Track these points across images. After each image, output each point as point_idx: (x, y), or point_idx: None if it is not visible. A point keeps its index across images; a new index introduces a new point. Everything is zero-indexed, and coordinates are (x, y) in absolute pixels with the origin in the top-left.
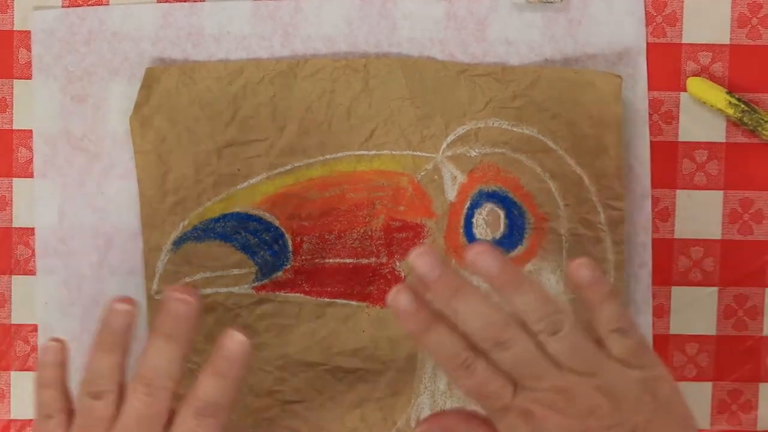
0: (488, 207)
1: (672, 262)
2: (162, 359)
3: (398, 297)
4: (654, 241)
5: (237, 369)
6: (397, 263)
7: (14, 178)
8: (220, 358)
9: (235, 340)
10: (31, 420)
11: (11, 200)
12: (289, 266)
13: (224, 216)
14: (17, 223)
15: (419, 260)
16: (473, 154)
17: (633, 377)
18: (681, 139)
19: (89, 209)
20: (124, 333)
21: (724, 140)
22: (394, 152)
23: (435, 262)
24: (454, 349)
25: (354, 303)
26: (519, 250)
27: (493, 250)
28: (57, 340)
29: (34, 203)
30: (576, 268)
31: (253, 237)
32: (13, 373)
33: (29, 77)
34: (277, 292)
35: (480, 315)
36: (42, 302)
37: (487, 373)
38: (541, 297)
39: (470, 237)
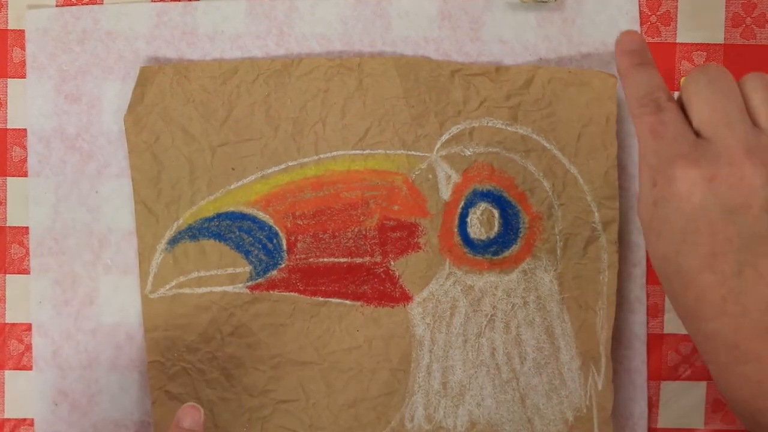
0: (483, 206)
1: None
2: None
3: (631, 33)
4: None
5: None
6: (392, 262)
7: (8, 177)
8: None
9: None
10: (25, 419)
11: (5, 199)
12: (283, 265)
13: (218, 215)
14: (11, 222)
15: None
16: (468, 153)
17: None
18: None
19: (83, 208)
20: None
21: None
22: (388, 151)
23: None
24: (654, 87)
25: (348, 302)
26: (513, 250)
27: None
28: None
29: (28, 202)
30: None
31: (248, 236)
32: (6, 372)
33: (23, 76)
34: (272, 291)
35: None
36: (36, 301)
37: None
38: None
39: (464, 236)
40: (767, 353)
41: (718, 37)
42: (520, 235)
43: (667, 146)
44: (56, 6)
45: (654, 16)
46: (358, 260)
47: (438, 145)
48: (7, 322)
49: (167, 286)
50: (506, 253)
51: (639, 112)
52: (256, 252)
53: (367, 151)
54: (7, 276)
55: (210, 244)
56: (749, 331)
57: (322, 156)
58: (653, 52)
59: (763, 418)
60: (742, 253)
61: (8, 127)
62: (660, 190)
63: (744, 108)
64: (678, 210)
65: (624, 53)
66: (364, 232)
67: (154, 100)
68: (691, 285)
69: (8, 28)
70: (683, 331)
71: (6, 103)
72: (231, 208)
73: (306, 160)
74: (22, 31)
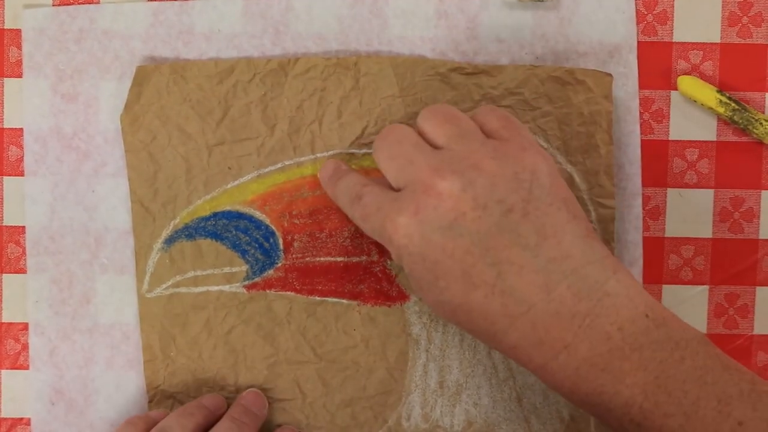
0: None
1: (663, 261)
2: None
3: (324, 166)
4: (645, 239)
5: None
6: (388, 261)
7: (5, 177)
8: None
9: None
10: (21, 418)
11: (2, 198)
12: (279, 264)
13: (215, 214)
14: (8, 221)
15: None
16: None
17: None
18: (672, 137)
19: (80, 207)
20: None
21: (714, 139)
22: None
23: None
24: (351, 185)
25: (345, 301)
26: None
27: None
28: None
29: (24, 201)
30: None
31: (244, 235)
32: (3, 372)
33: (20, 75)
34: (268, 291)
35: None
36: (32, 300)
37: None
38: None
39: None
40: (570, 337)
41: (714, 36)
42: None
43: (374, 219)
44: (53, 5)
45: (650, 15)
46: (355, 259)
47: None
48: (3, 321)
49: (164, 286)
50: None
51: (351, 211)
52: (252, 251)
53: (364, 150)
54: (4, 275)
55: (206, 244)
56: (544, 324)
57: (318, 155)
58: (649, 51)
59: (594, 399)
60: (487, 256)
61: (5, 126)
62: (395, 255)
63: (419, 142)
64: (413, 258)
65: (326, 182)
66: (360, 232)
67: (150, 100)
68: (472, 311)
69: (5, 27)
70: None
71: (2, 102)
72: (227, 208)
73: (302, 159)
74: (19, 31)
